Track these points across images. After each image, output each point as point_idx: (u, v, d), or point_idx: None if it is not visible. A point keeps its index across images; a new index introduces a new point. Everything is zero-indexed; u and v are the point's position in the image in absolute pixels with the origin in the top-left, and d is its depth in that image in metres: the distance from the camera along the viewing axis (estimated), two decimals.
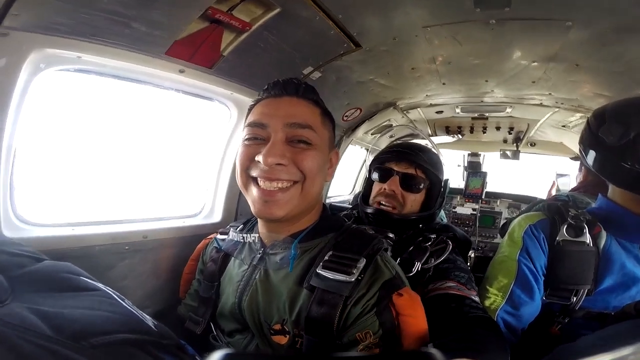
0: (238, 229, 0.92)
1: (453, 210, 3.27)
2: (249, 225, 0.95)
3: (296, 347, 0.75)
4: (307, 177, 0.76)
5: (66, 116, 1.15)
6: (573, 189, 1.80)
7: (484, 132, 2.68)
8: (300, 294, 0.76)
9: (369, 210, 1.17)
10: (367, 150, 2.86)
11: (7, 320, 0.44)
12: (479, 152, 3.17)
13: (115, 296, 0.62)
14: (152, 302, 1.19)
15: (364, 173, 1.80)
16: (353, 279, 0.72)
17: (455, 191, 3.28)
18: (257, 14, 1.00)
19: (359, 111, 2.03)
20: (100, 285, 0.63)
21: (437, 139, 2.85)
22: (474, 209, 3.17)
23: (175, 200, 1.53)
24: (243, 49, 1.10)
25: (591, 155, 0.94)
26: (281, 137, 0.75)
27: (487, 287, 1.00)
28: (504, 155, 2.98)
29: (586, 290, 0.91)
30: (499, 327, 0.90)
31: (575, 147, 1.02)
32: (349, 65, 1.46)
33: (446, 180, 1.23)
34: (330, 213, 0.92)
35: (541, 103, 1.89)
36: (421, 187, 1.16)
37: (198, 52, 1.01)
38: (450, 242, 1.07)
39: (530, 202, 1.45)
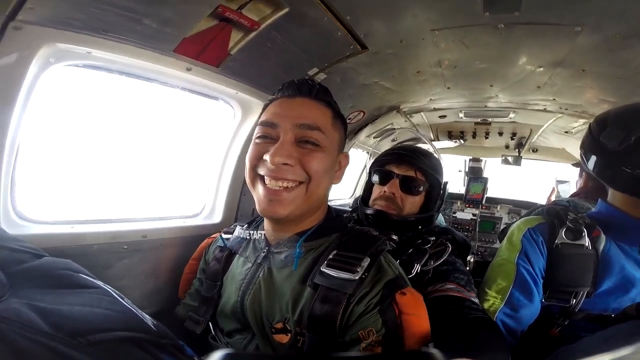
0: (244, 227, 0.93)
1: (453, 215, 3.27)
2: (255, 224, 0.95)
3: (297, 346, 0.75)
4: (313, 178, 0.76)
5: (68, 113, 1.14)
6: (573, 195, 1.80)
7: (487, 138, 2.68)
8: (303, 293, 0.76)
9: (369, 212, 1.17)
10: (369, 154, 2.87)
11: (4, 316, 0.44)
12: (481, 158, 3.17)
13: (115, 294, 0.61)
14: (151, 303, 1.18)
15: (365, 177, 1.80)
16: (357, 277, 0.72)
17: (456, 196, 3.28)
18: (266, 13, 1.00)
19: (362, 114, 2.02)
20: (100, 283, 0.63)
21: (439, 144, 2.85)
22: (474, 214, 3.18)
23: (175, 200, 1.52)
24: (250, 48, 1.09)
25: (592, 160, 0.95)
26: (290, 138, 0.75)
27: (486, 290, 1.00)
28: (505, 161, 2.99)
29: (585, 293, 0.92)
30: (500, 328, 0.90)
31: (578, 153, 1.03)
32: (355, 68, 1.46)
33: (445, 183, 1.23)
34: (335, 214, 0.92)
35: (545, 108, 1.89)
36: (421, 189, 1.16)
37: (206, 50, 1.01)
38: (449, 245, 1.07)
39: (529, 208, 1.45)
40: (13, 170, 0.88)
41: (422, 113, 2.24)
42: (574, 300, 0.93)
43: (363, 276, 0.73)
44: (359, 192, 2.96)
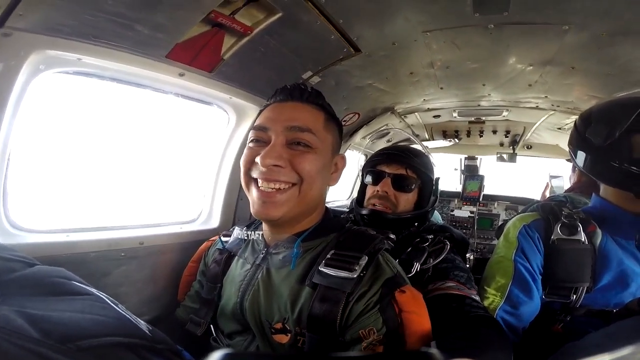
0: (243, 228, 0.95)
1: (451, 213, 3.29)
2: (254, 226, 0.96)
3: (297, 346, 0.75)
4: (305, 179, 0.77)
5: (61, 120, 1.13)
6: (568, 190, 1.82)
7: (481, 136, 2.70)
8: (302, 292, 0.77)
9: (364, 212, 1.18)
10: (365, 155, 2.88)
11: None
12: (476, 156, 3.19)
13: (109, 301, 0.61)
14: (150, 309, 1.17)
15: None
16: (355, 276, 0.73)
17: (453, 194, 3.30)
18: (259, 18, 1.01)
19: (357, 116, 2.03)
20: (93, 290, 0.63)
21: (434, 143, 2.87)
22: (471, 212, 3.20)
23: (172, 206, 1.51)
24: (244, 53, 1.10)
25: (580, 156, 0.97)
26: (281, 140, 0.76)
27: (485, 288, 1.00)
28: (500, 159, 3.01)
29: (585, 288, 0.92)
30: (501, 325, 0.90)
31: None
32: (348, 70, 1.47)
33: (437, 179, 1.24)
34: (332, 215, 0.93)
35: (537, 106, 1.92)
36: (412, 186, 1.18)
37: (199, 56, 1.01)
38: (447, 242, 1.08)
39: (527, 204, 1.46)
40: (5, 179, 0.87)
41: (416, 113, 2.26)
42: (574, 296, 0.93)
43: (361, 274, 0.74)
44: (356, 193, 2.97)
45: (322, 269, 0.76)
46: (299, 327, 0.75)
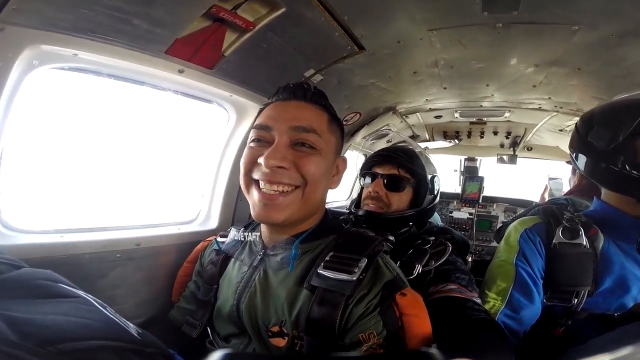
0: (240, 229, 0.93)
1: (450, 215, 3.29)
2: (251, 227, 0.94)
3: (295, 349, 0.74)
4: (309, 182, 0.75)
5: (56, 117, 1.10)
6: (568, 192, 1.81)
7: (482, 137, 2.70)
8: (300, 295, 0.75)
9: (359, 213, 1.20)
10: (365, 155, 2.86)
11: None
12: (476, 157, 3.19)
13: (97, 304, 0.60)
14: (146, 311, 1.14)
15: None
16: (355, 278, 0.71)
17: (452, 196, 3.30)
18: (262, 13, 0.98)
19: (358, 115, 2.01)
20: (81, 293, 0.62)
21: (434, 144, 2.86)
22: (470, 214, 3.20)
23: (170, 206, 1.48)
24: (245, 49, 1.07)
25: (581, 159, 0.96)
26: (285, 141, 0.74)
27: (486, 292, 1.00)
28: (500, 160, 3.01)
29: (586, 292, 0.91)
30: (503, 329, 0.90)
31: None
32: (351, 69, 1.45)
33: (433, 177, 1.23)
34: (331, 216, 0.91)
35: (540, 107, 1.91)
36: (404, 186, 1.18)
37: (199, 52, 0.98)
38: (449, 244, 1.08)
39: (526, 206, 1.45)
40: None
41: (418, 114, 2.25)
42: (576, 300, 0.92)
43: (361, 277, 0.72)
44: (355, 194, 2.95)
45: (320, 271, 0.74)
46: (297, 330, 0.74)
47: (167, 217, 1.36)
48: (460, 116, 2.27)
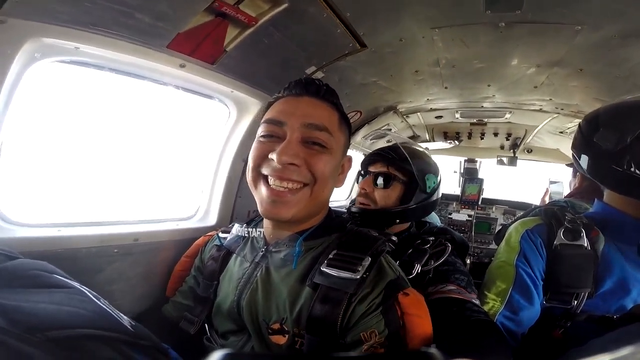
0: (243, 225, 0.92)
1: (449, 216, 3.29)
2: (254, 223, 0.94)
3: (295, 347, 0.73)
4: (318, 180, 0.75)
5: (56, 110, 1.10)
6: (569, 195, 1.81)
7: (482, 138, 2.70)
8: (302, 292, 0.75)
9: (352, 209, 1.23)
10: (365, 155, 2.85)
11: None
12: (476, 159, 3.19)
13: (90, 294, 0.61)
14: (142, 307, 1.14)
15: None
16: (358, 276, 0.71)
17: (452, 197, 3.29)
18: (264, 8, 0.98)
19: (359, 114, 2.01)
20: (75, 284, 0.62)
21: (434, 145, 2.86)
22: (469, 215, 3.20)
23: (169, 201, 1.48)
24: (247, 45, 1.07)
25: (584, 160, 0.95)
26: (297, 137, 0.74)
27: (486, 293, 0.99)
28: (500, 162, 3.01)
29: (586, 294, 0.91)
30: (501, 330, 0.90)
31: (571, 154, 1.03)
32: (353, 66, 1.45)
33: (426, 176, 1.21)
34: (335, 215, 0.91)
35: (541, 109, 1.91)
36: (391, 183, 1.19)
37: (201, 47, 0.98)
38: (449, 245, 1.08)
39: (525, 209, 1.45)
40: None
41: (418, 113, 2.25)
42: (576, 302, 0.92)
43: (364, 275, 0.72)
44: (354, 194, 2.95)
45: (324, 269, 0.74)
46: (298, 328, 0.74)
47: (166, 212, 1.36)
48: (461, 117, 2.27)
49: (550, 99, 1.74)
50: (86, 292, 0.61)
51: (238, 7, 0.92)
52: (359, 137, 2.31)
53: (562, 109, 1.83)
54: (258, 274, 0.82)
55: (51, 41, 0.78)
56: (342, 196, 3.13)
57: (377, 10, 1.10)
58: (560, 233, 0.94)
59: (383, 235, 0.87)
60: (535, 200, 3.17)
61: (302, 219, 0.79)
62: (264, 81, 1.29)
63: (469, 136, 2.69)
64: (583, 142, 0.96)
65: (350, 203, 1.37)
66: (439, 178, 1.26)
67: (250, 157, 0.77)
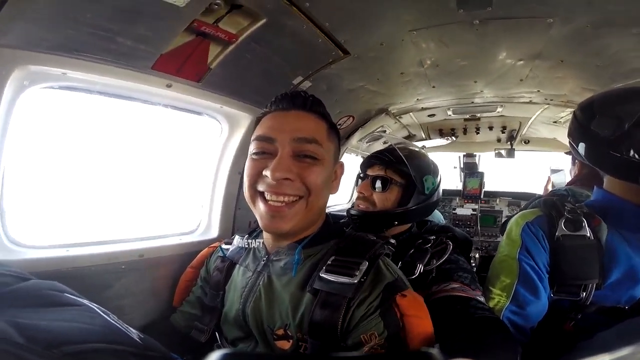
0: (244, 237, 0.94)
1: (453, 212, 3.27)
2: (255, 234, 0.97)
3: (300, 352, 0.75)
4: (312, 192, 0.78)
5: (57, 135, 1.14)
6: (569, 183, 1.80)
7: (477, 133, 2.69)
8: (303, 299, 0.77)
9: (351, 213, 1.25)
10: (363, 158, 2.87)
11: None
12: (474, 153, 3.18)
13: (99, 311, 0.63)
14: (150, 320, 1.16)
15: None
16: (356, 281, 0.73)
17: (454, 193, 3.28)
18: (244, 25, 1.01)
19: (351, 119, 2.03)
20: (85, 301, 0.65)
21: (431, 142, 2.87)
22: (474, 210, 3.18)
23: (171, 217, 1.51)
24: (231, 61, 1.10)
25: (582, 147, 0.93)
26: (288, 152, 0.76)
27: (490, 288, 0.98)
28: (498, 155, 3.00)
29: (594, 285, 0.89)
30: (507, 326, 0.88)
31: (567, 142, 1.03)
32: (339, 74, 1.47)
33: (425, 178, 1.22)
34: (332, 221, 0.93)
35: (531, 100, 1.91)
36: (388, 185, 1.20)
37: (185, 66, 1.01)
38: (450, 243, 1.07)
39: (529, 199, 1.44)
40: (0, 195, 0.88)
41: (411, 113, 2.25)
42: (584, 294, 0.89)
43: (362, 279, 0.74)
44: (355, 197, 2.96)
45: (322, 275, 0.76)
46: (301, 333, 0.75)
47: (169, 228, 1.39)
48: (454, 113, 2.27)
49: (539, 91, 1.74)
50: (95, 308, 0.64)
51: (217, 25, 0.95)
52: (354, 140, 2.33)
53: (551, 100, 1.83)
54: (261, 283, 0.84)
55: (38, 68, 0.80)
56: (344, 199, 3.15)
57: (355, 18, 1.13)
58: (561, 224, 0.92)
59: (381, 238, 0.88)
60: (539, 190, 3.14)
61: (300, 230, 0.82)
62: (252, 95, 1.32)
63: (464, 132, 2.68)
64: (580, 130, 0.94)
65: (351, 206, 1.39)
66: (438, 179, 1.26)
67: (245, 175, 0.80)
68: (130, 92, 1.05)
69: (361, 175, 1.29)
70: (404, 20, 1.15)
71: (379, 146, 2.65)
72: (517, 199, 3.16)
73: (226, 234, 1.46)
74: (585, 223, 0.90)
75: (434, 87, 1.78)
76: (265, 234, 0.88)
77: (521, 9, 1.05)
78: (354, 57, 1.34)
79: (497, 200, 3.22)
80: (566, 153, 2.36)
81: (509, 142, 2.83)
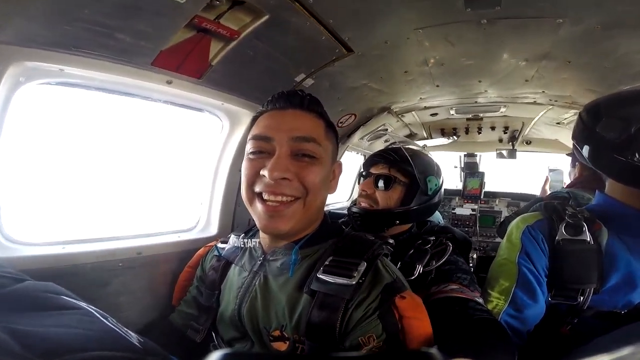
0: (240, 236, 0.93)
1: (452, 211, 3.27)
2: (251, 233, 0.96)
3: (297, 353, 0.75)
4: (310, 192, 0.77)
5: (54, 131, 1.13)
6: (569, 185, 1.79)
7: (479, 133, 2.68)
8: (300, 300, 0.76)
9: (353, 210, 1.24)
10: (364, 156, 2.86)
11: None
12: (475, 153, 3.17)
13: (98, 314, 0.61)
14: (148, 318, 1.16)
15: None
16: (354, 282, 0.72)
17: (454, 192, 3.27)
18: (246, 21, 0.99)
19: (353, 117, 2.01)
20: (82, 304, 0.63)
21: (432, 142, 2.85)
22: (473, 210, 3.18)
23: (169, 215, 1.50)
24: (232, 58, 1.08)
25: (586, 150, 0.92)
26: (286, 151, 0.75)
27: (489, 291, 0.98)
28: (500, 155, 2.99)
29: (592, 289, 0.88)
30: (505, 328, 0.88)
31: (571, 143, 1.02)
32: (342, 71, 1.45)
33: (428, 178, 1.21)
34: (330, 220, 0.92)
35: (535, 101, 1.89)
36: (392, 184, 1.20)
37: (185, 62, 0.99)
38: (450, 244, 1.07)
39: (529, 200, 1.43)
40: None
41: (413, 112, 2.24)
42: (582, 298, 0.89)
43: (360, 281, 0.73)
44: (356, 195, 2.96)
45: (320, 275, 0.75)
46: (298, 334, 0.74)
47: (167, 225, 1.38)
48: (456, 113, 2.26)
49: (543, 92, 1.72)
50: (93, 312, 0.62)
51: (219, 22, 0.93)
52: (355, 138, 2.31)
53: (556, 101, 1.81)
54: (257, 283, 0.83)
55: (34, 64, 0.79)
56: (343, 197, 3.14)
57: (359, 15, 1.11)
58: (562, 228, 0.92)
59: (379, 238, 0.87)
60: (538, 191, 3.14)
61: (299, 230, 0.81)
62: (254, 92, 1.30)
63: (466, 131, 2.67)
64: (585, 132, 0.93)
65: (351, 204, 1.38)
66: (441, 180, 1.26)
67: (243, 176, 0.78)
68: (129, 88, 1.03)
69: (364, 173, 1.28)
70: (409, 19, 1.13)
71: (380, 144, 2.64)
72: (516, 200, 3.17)
73: (225, 231, 1.44)
74: (585, 227, 0.90)
75: (437, 86, 1.76)
76: (261, 234, 0.87)
77: (530, 9, 1.03)
78: (357, 54, 1.32)
79: (497, 200, 3.22)
80: (568, 155, 2.36)
81: (510, 143, 2.82)
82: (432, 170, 1.22)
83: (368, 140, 2.53)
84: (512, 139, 2.75)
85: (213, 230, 1.46)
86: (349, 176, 3.10)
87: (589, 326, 0.90)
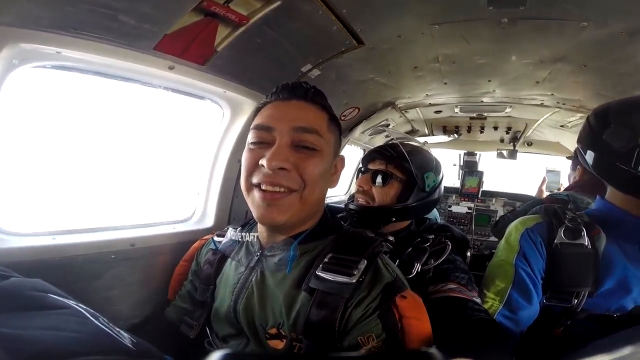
0: (237, 229, 0.91)
1: (449, 209, 3.29)
2: (249, 226, 0.93)
3: (294, 352, 0.73)
4: (307, 184, 0.74)
5: (46, 116, 1.06)
6: (569, 188, 1.79)
7: (482, 132, 2.67)
8: (298, 297, 0.74)
9: (350, 206, 1.23)
10: (364, 150, 2.83)
11: None
12: (476, 152, 3.16)
13: (88, 314, 0.59)
14: (142, 312, 1.13)
15: None
16: (354, 281, 0.71)
17: (451, 190, 3.28)
18: (256, 7, 0.94)
19: (357, 110, 1.97)
20: (71, 303, 0.60)
21: (433, 139, 2.83)
22: (469, 208, 3.19)
23: (164, 205, 1.46)
24: (239, 44, 1.03)
25: (591, 155, 0.92)
26: (286, 141, 0.73)
27: (485, 291, 0.99)
28: (500, 155, 2.99)
29: (587, 293, 0.90)
30: (502, 329, 0.90)
31: (573, 147, 1.01)
32: (350, 63, 1.41)
33: (426, 175, 1.19)
34: (330, 216, 0.90)
35: (542, 103, 1.88)
36: (388, 180, 1.18)
37: (190, 47, 0.94)
38: (449, 243, 1.07)
39: (525, 201, 1.42)
40: None
41: (417, 109, 2.21)
42: (576, 300, 0.91)
43: (360, 279, 0.71)
44: (354, 189, 2.94)
45: (319, 273, 0.73)
46: (295, 333, 0.73)
47: (162, 216, 1.34)
48: (461, 111, 2.24)
49: (552, 94, 1.71)
50: (83, 311, 0.59)
51: (228, 6, 0.88)
52: (357, 132, 2.28)
53: (563, 104, 1.80)
54: (253, 279, 0.81)
55: (30, 46, 0.74)
56: (341, 191, 3.12)
57: (374, 7, 1.06)
58: (561, 232, 0.93)
59: (379, 235, 0.86)
60: (534, 191, 3.17)
61: (296, 223, 0.79)
62: (259, 81, 1.25)
63: (469, 130, 2.66)
64: (591, 137, 0.93)
65: (348, 199, 1.36)
66: (440, 176, 1.24)
67: (243, 166, 0.77)
68: (129, 73, 0.98)
69: (362, 168, 1.27)
70: (427, 13, 1.09)
71: (381, 139, 2.61)
72: (512, 200, 3.20)
73: (222, 223, 1.42)
74: (584, 232, 0.91)
75: (445, 83, 1.73)
76: (259, 227, 0.84)
77: (555, 11, 0.99)
78: (368, 47, 1.28)
79: (493, 200, 3.25)
80: (568, 158, 2.36)
81: (511, 143, 2.82)
82: (430, 166, 1.21)
83: (369, 135, 2.49)
84: (514, 140, 2.75)
85: (209, 221, 1.42)
86: (348, 170, 3.08)
87: (581, 328, 0.92)
